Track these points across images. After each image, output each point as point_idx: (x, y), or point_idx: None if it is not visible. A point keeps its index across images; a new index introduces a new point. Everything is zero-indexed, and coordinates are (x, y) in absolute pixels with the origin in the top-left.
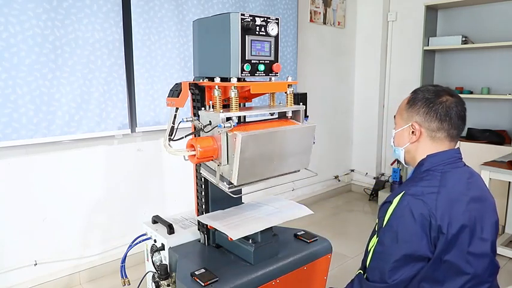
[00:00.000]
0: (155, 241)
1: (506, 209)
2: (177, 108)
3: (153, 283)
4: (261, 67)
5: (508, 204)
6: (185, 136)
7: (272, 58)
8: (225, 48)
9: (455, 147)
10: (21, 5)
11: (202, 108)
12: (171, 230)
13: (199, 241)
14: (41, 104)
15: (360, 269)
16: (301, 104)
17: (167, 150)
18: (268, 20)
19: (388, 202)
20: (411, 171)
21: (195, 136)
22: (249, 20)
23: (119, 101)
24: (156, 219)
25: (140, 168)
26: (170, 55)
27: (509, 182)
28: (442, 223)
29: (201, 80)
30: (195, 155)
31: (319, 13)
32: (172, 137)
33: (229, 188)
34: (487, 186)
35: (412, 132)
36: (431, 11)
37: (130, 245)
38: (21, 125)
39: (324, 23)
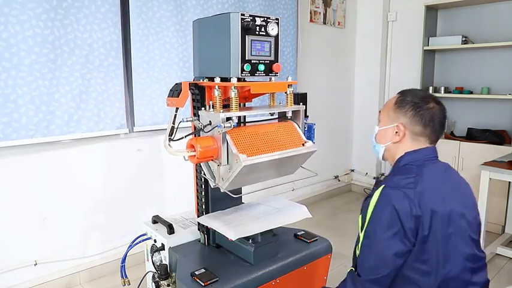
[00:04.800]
0: (155, 241)
1: (506, 209)
2: (177, 108)
3: (153, 283)
4: (261, 67)
5: (508, 204)
6: (185, 136)
7: (272, 58)
8: (225, 48)
9: (432, 146)
10: (21, 4)
11: (203, 108)
12: (171, 230)
13: (199, 241)
14: (40, 103)
15: (352, 266)
16: (301, 104)
17: (167, 150)
18: (268, 20)
19: (369, 197)
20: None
21: (195, 136)
22: (249, 20)
23: (116, 101)
24: (156, 219)
25: (140, 168)
26: (169, 55)
27: (509, 182)
28: (422, 211)
29: (201, 80)
30: (195, 155)
31: (319, 13)
32: (172, 137)
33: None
34: (487, 185)
35: (396, 132)
36: (431, 11)
37: (130, 245)
38: (21, 125)
39: (324, 23)
